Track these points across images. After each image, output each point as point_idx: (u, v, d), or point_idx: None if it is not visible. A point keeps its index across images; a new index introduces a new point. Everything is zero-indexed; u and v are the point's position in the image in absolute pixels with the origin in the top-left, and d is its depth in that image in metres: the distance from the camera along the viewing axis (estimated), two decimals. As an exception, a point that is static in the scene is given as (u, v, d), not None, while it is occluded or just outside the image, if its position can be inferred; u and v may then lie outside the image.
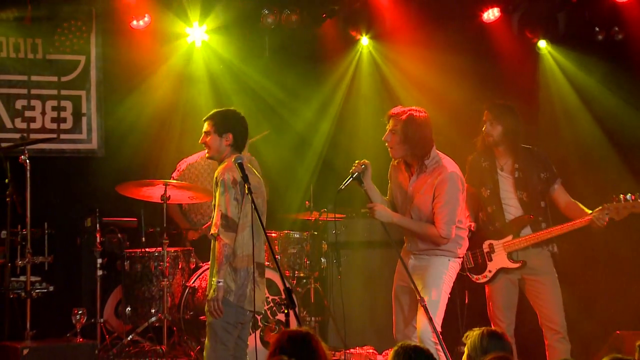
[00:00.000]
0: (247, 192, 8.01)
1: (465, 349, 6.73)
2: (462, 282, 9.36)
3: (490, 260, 9.39)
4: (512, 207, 9.47)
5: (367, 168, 8.79)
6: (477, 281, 9.46)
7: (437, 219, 8.63)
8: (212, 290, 8.14)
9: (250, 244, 8.18)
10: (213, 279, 8.13)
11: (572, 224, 9.21)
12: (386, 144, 8.88)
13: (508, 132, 9.37)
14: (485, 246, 9.41)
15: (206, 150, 8.47)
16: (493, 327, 6.92)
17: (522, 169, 9.42)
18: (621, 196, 9.10)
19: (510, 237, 9.35)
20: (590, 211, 9.09)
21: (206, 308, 8.21)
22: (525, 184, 9.43)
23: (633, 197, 9.09)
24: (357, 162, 8.80)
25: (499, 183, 9.48)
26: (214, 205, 8.29)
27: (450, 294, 8.91)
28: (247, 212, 8.14)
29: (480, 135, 9.56)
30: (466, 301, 9.62)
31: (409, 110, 8.80)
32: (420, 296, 8.41)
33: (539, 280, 9.45)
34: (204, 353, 8.48)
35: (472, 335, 6.74)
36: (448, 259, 8.86)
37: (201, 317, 9.55)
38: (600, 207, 9.08)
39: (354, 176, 8.72)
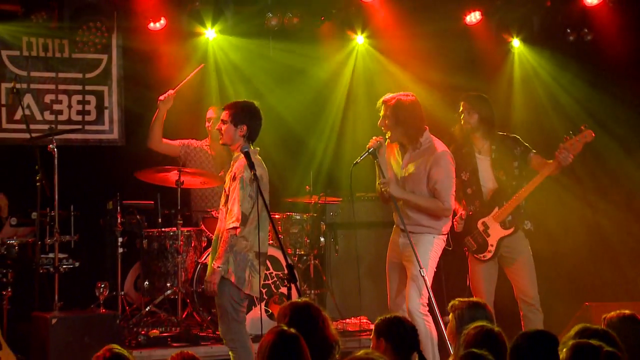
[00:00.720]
0: (253, 178, 8.08)
1: (451, 319, 6.80)
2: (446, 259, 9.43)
3: (489, 236, 9.44)
4: (490, 188, 9.53)
5: (382, 145, 8.84)
6: (484, 259, 9.50)
7: (440, 194, 8.79)
8: (209, 271, 8.27)
9: (255, 234, 8.28)
10: (213, 262, 8.24)
11: (542, 173, 9.31)
12: (382, 129, 8.95)
13: (483, 119, 9.46)
14: (480, 225, 9.46)
15: (219, 137, 8.53)
16: (477, 299, 6.94)
17: (497, 150, 9.49)
18: (570, 133, 9.18)
19: (496, 209, 9.40)
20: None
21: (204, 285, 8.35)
22: (501, 163, 9.48)
23: (582, 128, 9.21)
24: (374, 137, 8.86)
25: (478, 165, 9.52)
26: (226, 195, 8.37)
27: (436, 268, 9.01)
28: (256, 208, 8.21)
29: (457, 125, 9.62)
30: (468, 283, 9.64)
31: (397, 96, 8.93)
32: (422, 266, 8.50)
33: (515, 259, 9.52)
34: (221, 335, 8.56)
35: (456, 306, 6.81)
36: (433, 236, 8.96)
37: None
38: (558, 150, 9.16)
39: (369, 151, 8.79)
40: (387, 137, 8.98)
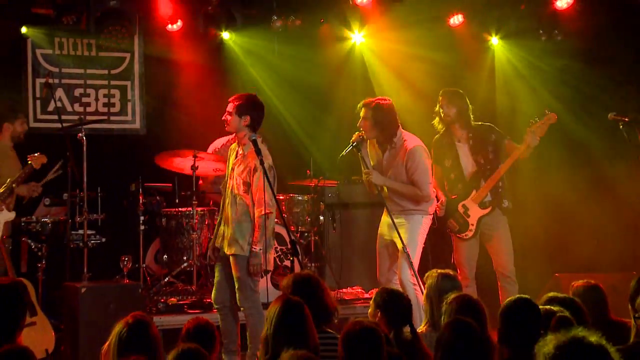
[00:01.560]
0: (260, 164, 8.11)
1: (426, 287, 6.86)
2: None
3: (469, 216, 9.47)
4: (470, 170, 9.56)
5: (364, 139, 8.97)
6: (466, 237, 9.52)
7: (418, 184, 8.84)
8: (252, 256, 8.31)
9: (271, 219, 8.33)
10: (254, 247, 8.32)
11: (512, 156, 9.36)
12: (360, 129, 9.01)
13: (461, 112, 9.46)
14: (460, 208, 9.48)
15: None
16: (447, 271, 6.95)
17: (474, 137, 9.50)
18: (535, 118, 9.22)
19: (474, 191, 9.43)
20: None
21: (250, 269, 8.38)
22: (479, 148, 9.51)
23: (545, 112, 9.30)
24: (356, 132, 8.96)
25: (458, 153, 9.55)
26: (244, 182, 8.40)
27: (423, 244, 9.07)
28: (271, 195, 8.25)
29: (436, 117, 9.65)
30: (452, 260, 9.68)
31: (376, 100, 9.05)
32: (404, 245, 8.57)
33: (493, 235, 9.55)
34: (239, 303, 8.60)
35: (430, 276, 6.87)
36: (421, 216, 9.04)
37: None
38: (526, 133, 9.22)
39: (353, 145, 8.91)
40: (365, 136, 9.09)
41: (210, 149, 10.98)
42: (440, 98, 9.57)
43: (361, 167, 9.21)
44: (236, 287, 8.54)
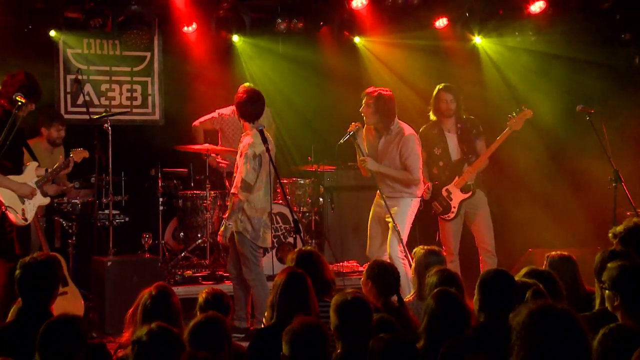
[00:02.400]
0: (266, 151, 8.16)
1: (413, 262, 6.90)
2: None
3: (451, 200, 9.53)
4: (456, 158, 9.61)
5: (360, 128, 9.08)
6: (449, 218, 9.62)
7: (409, 167, 8.94)
8: (222, 227, 8.49)
9: (264, 199, 8.41)
10: (224, 220, 8.49)
11: (491, 147, 9.57)
12: (362, 114, 9.05)
13: (459, 105, 9.58)
14: (444, 192, 9.55)
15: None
16: (432, 247, 6.99)
17: (462, 128, 9.57)
18: (513, 113, 9.33)
19: (457, 178, 9.49)
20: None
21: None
22: (465, 138, 9.57)
23: (522, 108, 9.48)
24: (353, 123, 9.04)
25: (448, 142, 9.60)
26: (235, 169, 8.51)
27: (412, 224, 9.12)
28: (262, 178, 8.31)
29: (432, 108, 9.69)
30: (437, 238, 9.74)
31: (379, 90, 9.09)
32: (395, 223, 8.63)
33: (476, 214, 9.63)
34: (245, 275, 8.67)
35: (417, 252, 6.91)
36: (411, 199, 9.09)
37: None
38: (507, 129, 9.40)
39: (350, 134, 8.99)
40: (365, 121, 9.16)
41: (209, 116, 10.98)
42: (444, 93, 9.62)
43: (356, 154, 9.27)
44: (240, 261, 8.63)
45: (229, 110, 10.82)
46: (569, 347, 3.78)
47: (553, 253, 6.47)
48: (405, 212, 9.10)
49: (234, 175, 8.63)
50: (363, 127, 9.22)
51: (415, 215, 9.27)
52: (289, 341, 4.61)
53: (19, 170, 8.13)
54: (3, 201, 7.99)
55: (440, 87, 9.72)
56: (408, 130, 9.17)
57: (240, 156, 8.44)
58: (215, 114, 10.89)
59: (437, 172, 9.71)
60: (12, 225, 8.06)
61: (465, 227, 9.76)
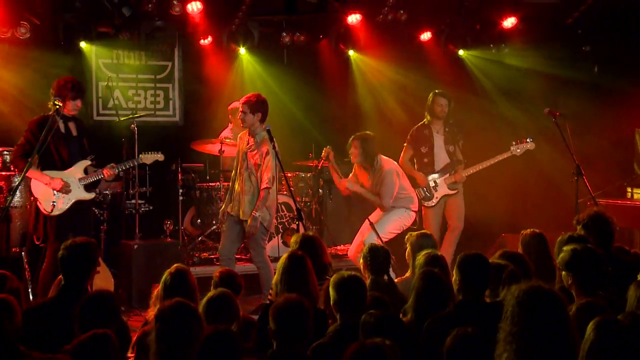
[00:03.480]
0: (272, 149, 8.14)
1: (408, 246, 6.87)
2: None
3: (436, 190, 9.56)
4: (441, 158, 9.60)
5: (330, 151, 9.17)
6: (429, 206, 9.65)
7: (380, 195, 9.01)
8: (251, 219, 8.33)
9: (275, 192, 8.38)
10: (254, 212, 8.33)
11: (493, 158, 9.70)
12: (352, 158, 9.21)
13: (450, 109, 9.61)
14: (431, 182, 9.56)
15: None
16: (424, 231, 7.02)
17: (448, 131, 9.57)
18: (518, 140, 9.62)
19: (448, 175, 9.50)
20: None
21: (247, 229, 8.41)
22: (450, 140, 9.57)
23: (529, 139, 9.62)
24: (325, 149, 9.19)
25: (434, 142, 9.59)
26: (255, 164, 8.44)
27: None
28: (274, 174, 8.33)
29: (426, 111, 9.70)
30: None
31: (364, 134, 9.17)
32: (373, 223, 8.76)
33: (454, 202, 9.63)
34: (253, 258, 8.65)
35: (411, 236, 6.88)
36: (405, 210, 9.05)
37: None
38: (509, 152, 9.63)
39: (325, 158, 9.14)
40: (353, 161, 9.28)
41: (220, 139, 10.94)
42: (440, 98, 9.66)
43: (333, 174, 9.43)
44: (250, 246, 8.58)
45: (225, 132, 10.93)
46: (552, 320, 3.87)
47: (527, 231, 6.50)
48: (393, 217, 9.09)
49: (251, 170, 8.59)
50: (331, 151, 9.23)
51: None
52: (273, 315, 4.62)
53: (64, 166, 8.01)
54: (34, 192, 7.95)
55: (437, 92, 9.77)
56: (388, 164, 9.17)
57: (266, 155, 8.40)
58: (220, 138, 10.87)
59: (419, 167, 9.72)
60: (41, 214, 8.01)
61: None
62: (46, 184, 7.86)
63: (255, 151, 8.50)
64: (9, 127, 10.12)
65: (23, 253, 9.11)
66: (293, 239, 6.51)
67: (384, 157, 9.21)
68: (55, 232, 7.89)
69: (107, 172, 8.18)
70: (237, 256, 9.79)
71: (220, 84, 12.00)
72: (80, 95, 8.03)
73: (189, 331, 4.23)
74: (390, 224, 9.00)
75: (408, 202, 9.14)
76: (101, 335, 4.09)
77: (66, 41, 10.84)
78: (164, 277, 5.49)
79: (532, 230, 6.49)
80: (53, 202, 7.80)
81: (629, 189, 10.65)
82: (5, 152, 9.46)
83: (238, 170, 8.67)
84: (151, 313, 5.72)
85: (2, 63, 10.67)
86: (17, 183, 8.79)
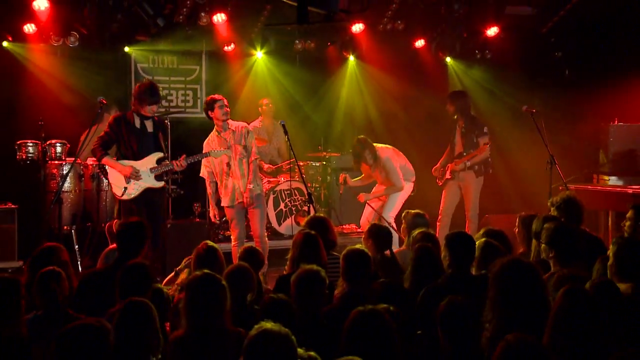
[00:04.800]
0: (287, 141, 8.14)
1: (404, 222, 6.88)
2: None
3: (445, 175, 9.43)
4: (458, 148, 9.45)
5: (347, 176, 9.24)
6: (440, 184, 9.54)
7: (392, 182, 8.89)
8: (248, 191, 8.31)
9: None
10: (249, 184, 8.33)
11: (476, 151, 9.31)
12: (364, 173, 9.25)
13: (458, 109, 9.42)
14: (446, 167, 9.43)
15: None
16: (417, 211, 6.94)
17: (465, 127, 9.40)
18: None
19: (450, 164, 9.39)
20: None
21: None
22: (465, 135, 9.40)
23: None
24: (340, 175, 9.29)
25: (455, 135, 9.48)
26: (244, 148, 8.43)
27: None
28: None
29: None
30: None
31: (356, 149, 9.09)
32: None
33: (466, 188, 9.52)
34: (260, 232, 8.56)
35: (406, 215, 6.89)
36: (406, 182, 8.99)
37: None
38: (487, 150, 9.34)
39: (342, 183, 9.23)
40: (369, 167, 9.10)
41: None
42: (446, 101, 9.59)
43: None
44: (259, 219, 8.44)
45: (255, 123, 10.84)
46: (531, 290, 4.04)
47: (523, 213, 6.40)
48: (396, 196, 9.04)
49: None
50: (348, 176, 9.26)
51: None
52: (295, 283, 4.72)
53: (135, 157, 7.82)
54: (109, 178, 7.90)
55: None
56: (383, 153, 9.06)
57: (248, 133, 8.45)
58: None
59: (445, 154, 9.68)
60: (115, 198, 8.02)
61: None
62: (118, 170, 7.76)
63: (238, 138, 8.41)
64: (61, 120, 10.07)
65: (73, 231, 9.17)
66: (305, 220, 6.52)
67: (378, 146, 9.13)
68: (125, 214, 7.84)
69: (177, 164, 8.05)
70: (250, 233, 9.82)
71: (241, 84, 11.98)
72: (155, 102, 7.83)
73: (215, 299, 4.26)
74: (395, 203, 9.00)
75: (409, 175, 9.12)
76: (136, 302, 4.11)
77: (110, 47, 10.89)
78: (195, 251, 5.53)
79: (526, 213, 6.40)
80: (125, 187, 7.72)
81: (595, 176, 10.63)
82: (58, 144, 9.47)
83: (227, 171, 8.49)
84: (182, 276, 5.79)
85: (55, 66, 10.66)
86: (67, 171, 8.87)
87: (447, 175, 9.46)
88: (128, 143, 7.79)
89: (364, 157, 9.03)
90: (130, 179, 7.71)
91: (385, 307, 3.98)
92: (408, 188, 9.13)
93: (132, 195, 7.75)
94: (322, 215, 6.86)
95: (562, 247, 5.17)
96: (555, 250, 5.17)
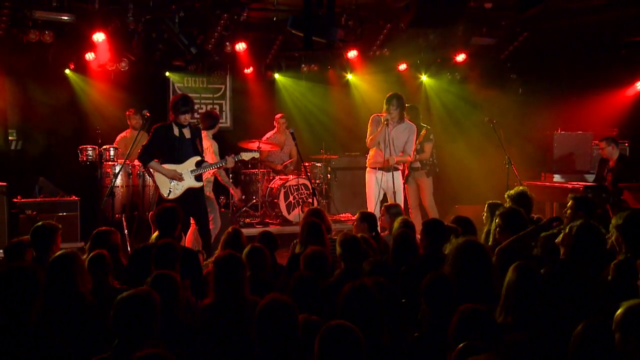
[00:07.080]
0: (296, 146, 8.12)
1: (385, 213, 6.85)
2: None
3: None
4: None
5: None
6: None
7: (408, 151, 8.51)
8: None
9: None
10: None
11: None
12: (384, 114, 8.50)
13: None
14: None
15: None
16: (391, 202, 6.91)
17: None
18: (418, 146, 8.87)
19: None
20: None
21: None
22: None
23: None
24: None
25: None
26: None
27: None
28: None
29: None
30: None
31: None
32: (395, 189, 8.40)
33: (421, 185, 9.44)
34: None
35: (386, 207, 6.87)
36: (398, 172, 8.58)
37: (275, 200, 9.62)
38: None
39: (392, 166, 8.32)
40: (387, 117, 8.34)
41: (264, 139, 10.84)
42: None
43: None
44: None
45: (270, 133, 10.76)
46: (479, 264, 4.06)
47: (490, 201, 6.27)
48: (400, 180, 8.56)
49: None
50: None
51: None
52: (304, 260, 4.74)
53: (175, 161, 7.49)
54: (156, 181, 7.56)
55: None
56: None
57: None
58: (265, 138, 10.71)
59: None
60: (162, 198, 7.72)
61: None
62: (164, 174, 7.45)
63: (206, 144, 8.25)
64: (114, 130, 10.17)
65: (123, 218, 9.16)
66: (307, 210, 6.53)
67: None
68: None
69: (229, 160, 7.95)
70: (269, 221, 9.82)
71: (258, 100, 11.97)
72: (187, 111, 7.42)
73: (236, 273, 4.24)
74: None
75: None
76: (161, 274, 4.10)
77: (153, 71, 10.93)
78: (224, 236, 5.53)
79: (494, 201, 6.29)
80: (170, 188, 7.49)
81: (543, 174, 10.67)
82: (112, 149, 9.48)
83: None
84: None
85: (110, 86, 10.68)
86: (118, 170, 8.90)
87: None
88: (169, 149, 7.58)
89: (405, 117, 8.48)
90: (174, 180, 7.51)
91: (374, 279, 3.96)
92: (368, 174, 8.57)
93: (177, 195, 7.50)
94: (319, 207, 6.87)
95: (506, 225, 5.20)
96: (501, 225, 5.22)
